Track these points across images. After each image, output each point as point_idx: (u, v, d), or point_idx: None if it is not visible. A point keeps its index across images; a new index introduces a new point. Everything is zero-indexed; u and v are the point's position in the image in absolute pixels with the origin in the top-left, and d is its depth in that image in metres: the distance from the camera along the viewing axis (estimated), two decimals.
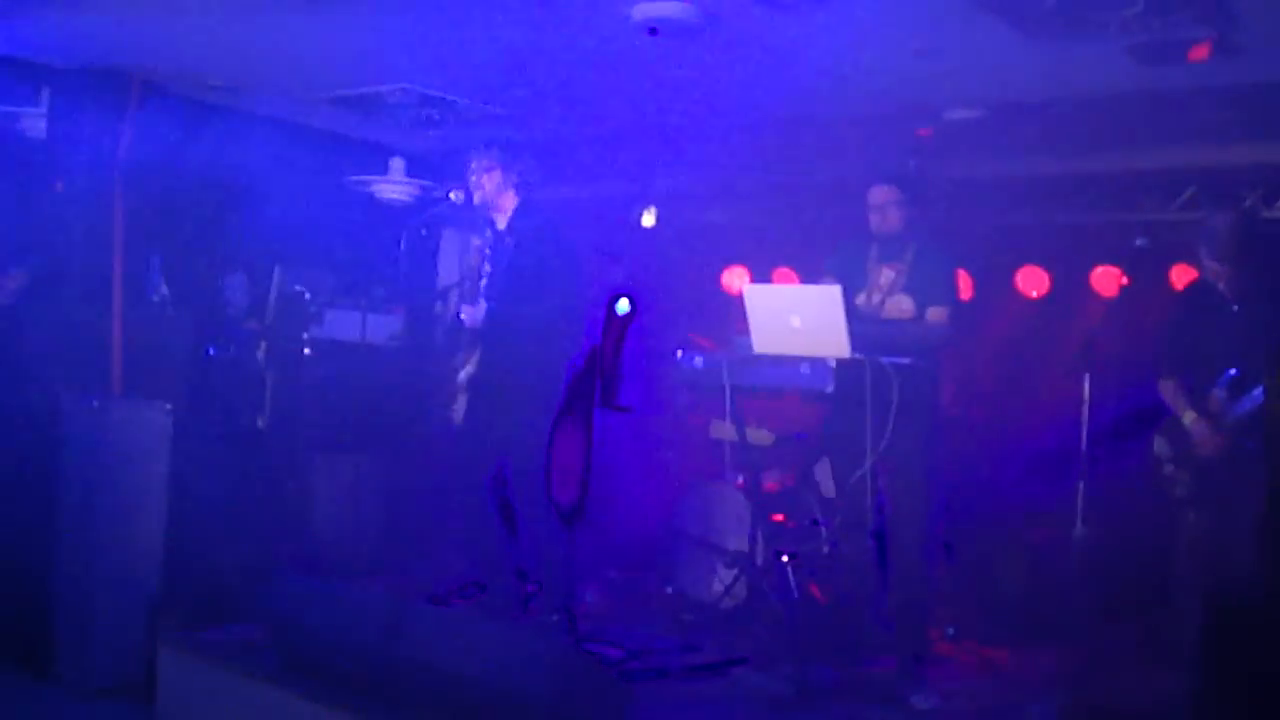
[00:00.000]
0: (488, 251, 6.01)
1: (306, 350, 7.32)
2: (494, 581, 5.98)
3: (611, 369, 5.98)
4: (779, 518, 6.07)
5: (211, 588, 5.62)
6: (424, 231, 6.67)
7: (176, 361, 6.90)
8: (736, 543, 6.31)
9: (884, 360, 5.18)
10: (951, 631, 6.11)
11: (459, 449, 6.01)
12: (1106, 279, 7.31)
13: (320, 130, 7.97)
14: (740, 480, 6.58)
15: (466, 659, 4.29)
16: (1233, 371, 5.20)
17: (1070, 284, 7.45)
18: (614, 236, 7.64)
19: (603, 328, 5.97)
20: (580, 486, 5.80)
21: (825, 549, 5.97)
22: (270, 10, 5.66)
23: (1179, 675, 4.83)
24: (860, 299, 5.76)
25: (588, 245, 6.39)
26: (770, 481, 6.55)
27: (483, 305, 5.84)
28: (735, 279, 8.56)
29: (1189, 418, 5.36)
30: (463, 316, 5.89)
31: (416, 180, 7.98)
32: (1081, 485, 6.19)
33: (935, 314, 5.55)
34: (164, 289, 7.26)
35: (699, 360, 5.84)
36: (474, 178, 5.93)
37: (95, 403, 5.65)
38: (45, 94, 6.85)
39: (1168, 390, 5.52)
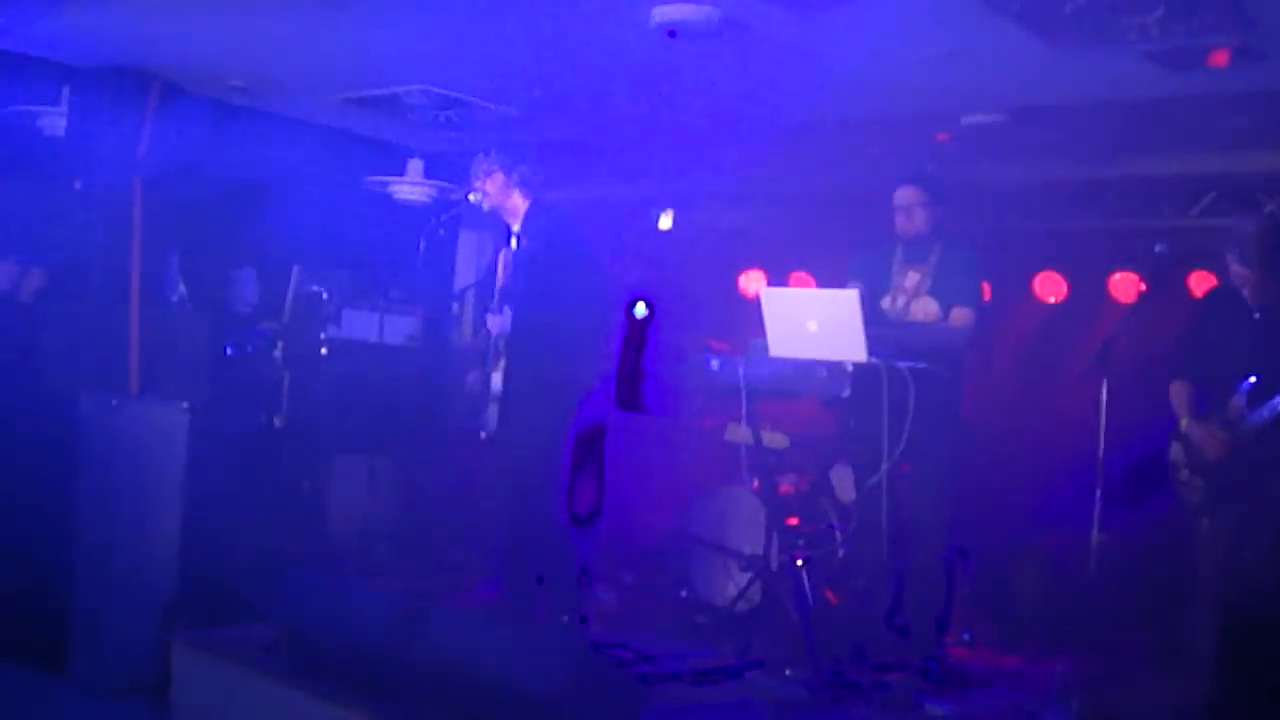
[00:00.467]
0: (505, 257, 6.00)
1: (324, 350, 7.34)
2: (510, 580, 5.98)
3: (632, 372, 5.99)
4: (794, 521, 6.05)
5: (227, 587, 5.62)
6: (441, 232, 6.66)
7: (194, 361, 6.90)
8: (751, 546, 6.30)
9: (901, 365, 5.17)
10: (967, 637, 6.09)
11: (484, 452, 6.01)
12: (1125, 285, 7.29)
13: (339, 131, 7.99)
14: (756, 484, 6.57)
15: (481, 659, 4.29)
16: (1253, 379, 5.17)
17: (1088, 290, 7.43)
18: (632, 239, 7.65)
19: (624, 332, 5.97)
20: (596, 497, 5.81)
21: (840, 553, 5.96)
22: (290, 11, 5.67)
23: (1195, 682, 4.81)
24: (885, 302, 5.76)
25: (605, 247, 6.39)
26: (786, 485, 6.53)
27: (507, 313, 5.82)
28: (752, 283, 8.55)
29: (1184, 424, 5.34)
30: (489, 326, 5.87)
31: (434, 181, 8.00)
32: (1098, 491, 6.17)
33: (959, 316, 5.54)
34: (182, 288, 7.28)
35: (715, 363, 5.83)
36: (477, 182, 5.93)
37: (113, 402, 5.67)
38: (65, 93, 6.88)
39: (1176, 394, 5.49)
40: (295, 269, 7.24)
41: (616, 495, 7.06)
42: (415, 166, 8.06)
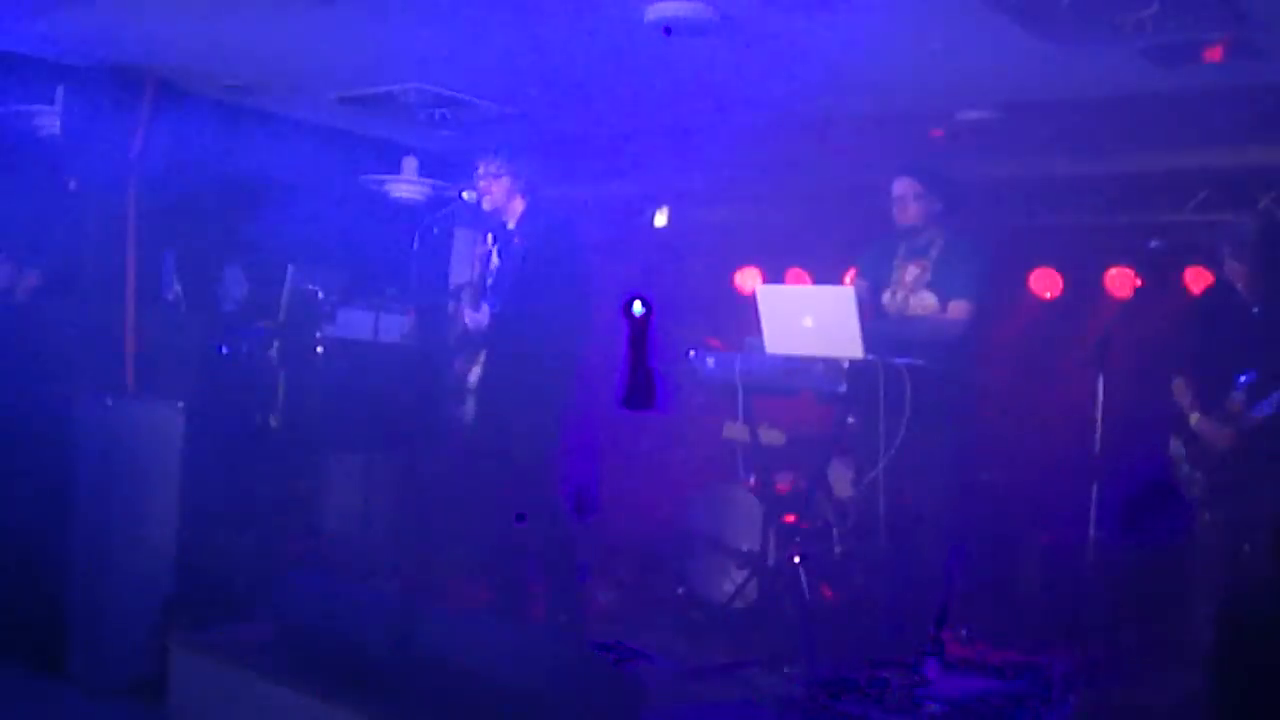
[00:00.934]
0: (494, 254, 5.99)
1: (319, 349, 7.33)
2: (504, 579, 5.97)
3: (640, 372, 5.98)
4: (791, 519, 6.06)
5: (224, 586, 5.63)
6: (436, 230, 6.65)
7: (190, 360, 6.90)
8: (748, 544, 6.30)
9: (897, 361, 5.17)
10: (965, 633, 6.09)
11: (467, 450, 5.99)
12: (1120, 280, 7.28)
13: (333, 129, 7.98)
14: (752, 481, 6.57)
15: (477, 659, 4.29)
16: (1251, 374, 5.18)
17: (1084, 285, 7.43)
18: (628, 236, 7.64)
19: (628, 334, 5.96)
20: (592, 482, 5.79)
21: (838, 550, 5.97)
22: (285, 9, 5.67)
23: (1194, 677, 4.81)
24: (885, 296, 5.76)
25: (599, 246, 6.38)
26: (782, 482, 6.53)
27: (485, 309, 5.81)
28: (748, 279, 8.55)
29: (1194, 419, 5.35)
30: (466, 320, 5.87)
31: (429, 180, 7.99)
32: (1095, 487, 6.17)
33: (956, 309, 5.54)
34: (177, 287, 7.28)
35: (711, 361, 5.83)
36: (483, 184, 5.92)
37: (109, 401, 5.66)
38: (59, 92, 6.87)
39: (1179, 389, 5.50)
40: (290, 267, 7.22)
41: (613, 493, 7.07)
42: (410, 164, 8.05)
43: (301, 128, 7.76)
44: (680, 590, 6.72)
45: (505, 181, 5.87)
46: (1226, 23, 4.98)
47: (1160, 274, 7.04)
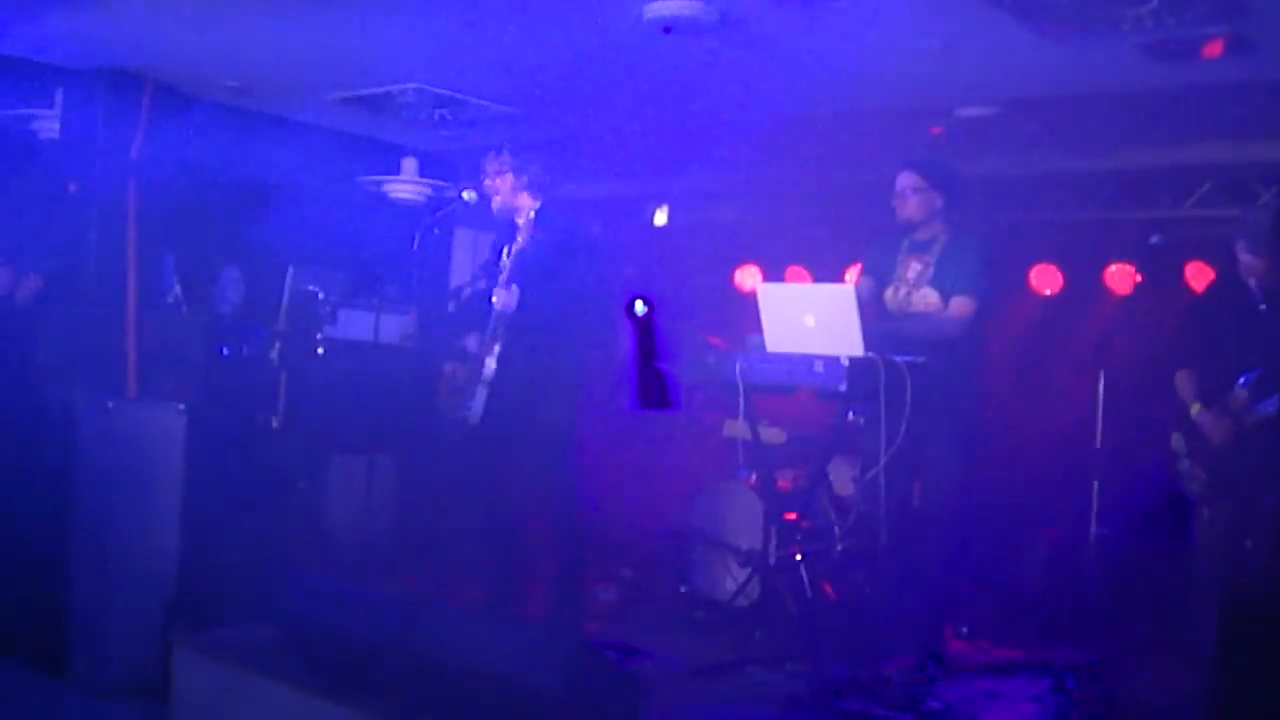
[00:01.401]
0: (504, 252, 5.97)
1: (320, 350, 7.33)
2: (508, 577, 5.97)
3: (649, 371, 5.98)
4: (792, 516, 6.06)
5: (226, 587, 5.62)
6: (436, 231, 6.65)
7: (191, 362, 6.91)
8: (750, 541, 6.30)
9: (898, 359, 5.17)
10: (966, 630, 6.10)
11: (479, 443, 5.94)
12: (1121, 277, 7.29)
13: (332, 130, 7.98)
14: (753, 479, 6.57)
15: (480, 658, 4.29)
16: (1256, 371, 5.18)
17: (1084, 282, 7.43)
18: (629, 235, 7.64)
19: (634, 334, 5.94)
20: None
21: (839, 548, 5.97)
22: (283, 11, 5.67)
23: (1195, 673, 4.81)
24: (889, 293, 5.75)
25: (607, 246, 6.37)
26: (783, 480, 6.53)
27: (515, 289, 5.72)
28: (748, 277, 8.55)
29: (1195, 409, 5.35)
30: (494, 301, 5.77)
31: (429, 180, 7.99)
32: (1096, 484, 6.18)
33: (958, 305, 5.53)
34: (178, 290, 7.29)
35: (712, 359, 5.83)
36: (488, 181, 5.90)
37: (110, 404, 5.66)
38: (59, 96, 6.88)
39: (1181, 381, 5.50)
40: (290, 269, 7.23)
41: (615, 491, 7.07)
42: (409, 165, 8.05)
43: (300, 129, 7.77)
44: (682, 588, 6.73)
45: (510, 178, 5.86)
46: (1224, 18, 4.98)
47: (1161, 270, 7.05)
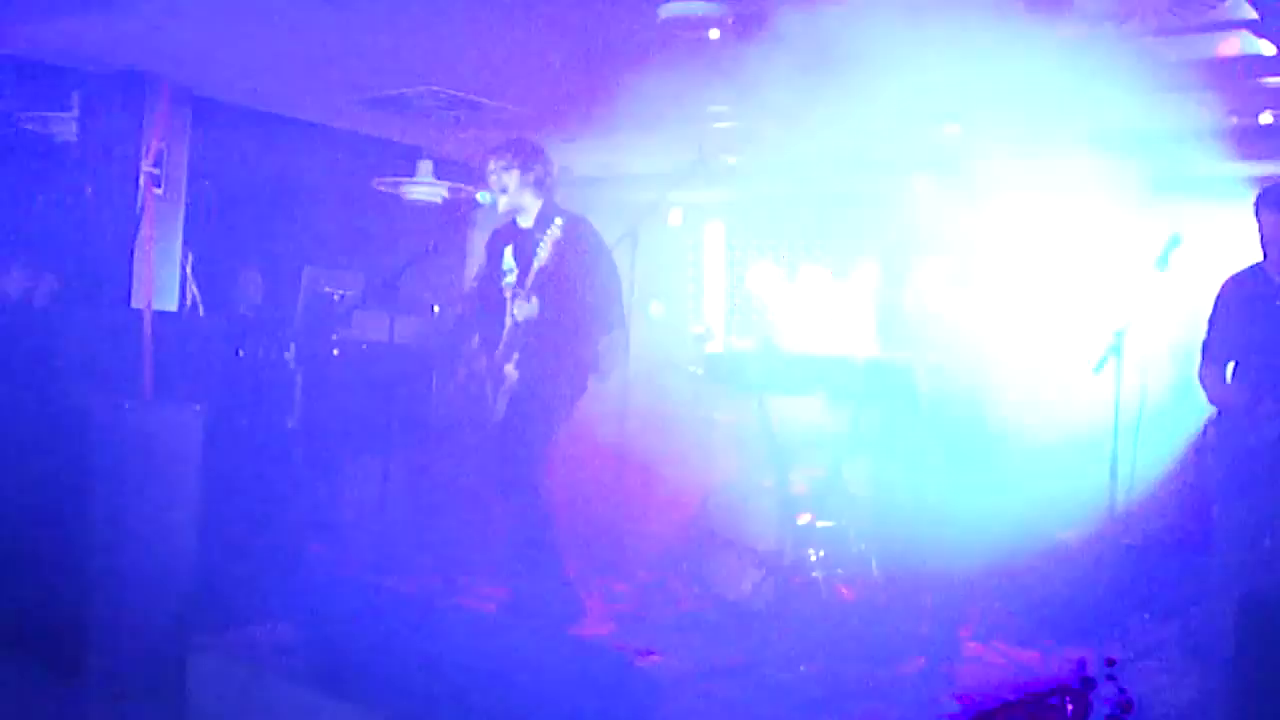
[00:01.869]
0: (510, 253, 5.96)
1: (335, 352, 7.34)
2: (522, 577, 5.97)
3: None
4: (808, 518, 6.04)
5: (242, 589, 5.63)
6: (451, 232, 6.66)
7: (207, 364, 6.93)
8: (765, 543, 6.29)
9: (915, 357, 5.16)
10: (982, 631, 6.07)
11: (494, 447, 5.94)
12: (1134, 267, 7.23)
13: (349, 132, 8.00)
14: (769, 480, 6.56)
15: (496, 659, 4.29)
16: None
17: (1096, 274, 7.38)
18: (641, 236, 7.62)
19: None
20: None
21: (855, 549, 5.95)
22: (299, 14, 5.68)
23: (1215, 673, 4.79)
24: (905, 292, 5.74)
25: (615, 247, 6.36)
26: (799, 481, 6.51)
27: (535, 301, 5.74)
28: (764, 276, 8.54)
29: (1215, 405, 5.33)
30: (515, 313, 5.78)
31: (444, 182, 8.00)
32: (1114, 481, 6.13)
33: (976, 304, 5.52)
34: (194, 291, 7.30)
35: (727, 357, 5.81)
36: (494, 178, 5.89)
37: (126, 405, 5.67)
38: (75, 98, 6.91)
39: (1205, 377, 5.48)
40: (306, 270, 7.24)
41: (629, 491, 7.06)
42: (425, 167, 8.06)
43: (316, 131, 7.79)
44: (696, 589, 6.72)
45: (516, 174, 5.85)
46: None
47: (1180, 260, 6.99)
